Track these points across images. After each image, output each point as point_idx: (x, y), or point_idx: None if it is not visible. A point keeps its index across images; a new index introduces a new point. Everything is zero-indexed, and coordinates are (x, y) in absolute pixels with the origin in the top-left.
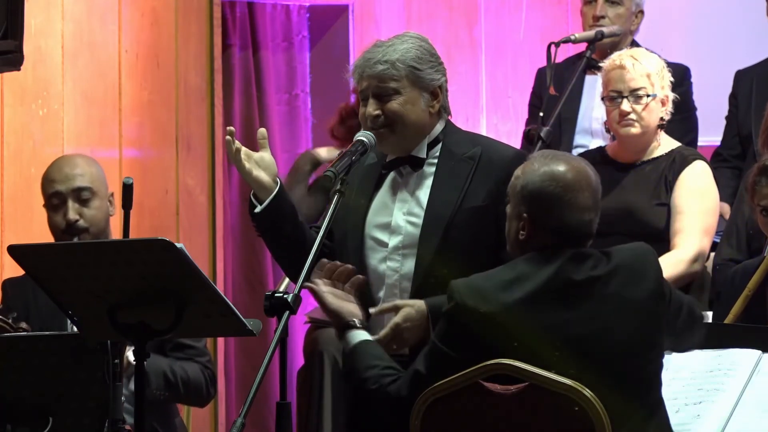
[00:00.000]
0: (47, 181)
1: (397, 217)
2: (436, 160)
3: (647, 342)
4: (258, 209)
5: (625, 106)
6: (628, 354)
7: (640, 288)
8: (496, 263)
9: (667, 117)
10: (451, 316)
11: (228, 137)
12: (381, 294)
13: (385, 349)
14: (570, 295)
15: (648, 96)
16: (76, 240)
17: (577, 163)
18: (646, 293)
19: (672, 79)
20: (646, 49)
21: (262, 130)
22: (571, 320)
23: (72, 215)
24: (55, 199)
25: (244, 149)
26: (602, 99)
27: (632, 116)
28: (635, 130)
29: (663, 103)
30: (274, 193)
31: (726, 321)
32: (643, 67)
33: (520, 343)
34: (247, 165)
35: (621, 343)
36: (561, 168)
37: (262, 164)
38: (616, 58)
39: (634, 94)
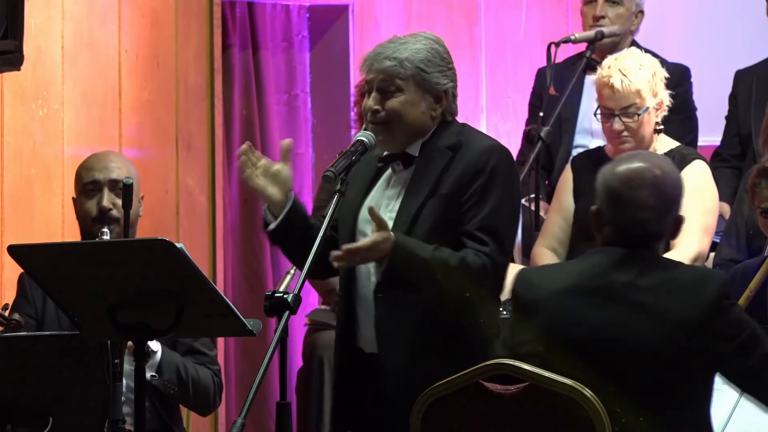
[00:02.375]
0: (85, 169)
1: (383, 214)
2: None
3: (677, 363)
4: (271, 227)
5: (618, 125)
6: (649, 367)
7: (687, 309)
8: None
9: (662, 117)
10: (512, 299)
11: (243, 157)
12: (373, 279)
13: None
14: (602, 296)
15: (638, 114)
16: (105, 230)
17: (656, 161)
18: (691, 315)
19: (667, 75)
20: (644, 49)
21: (288, 142)
22: (600, 321)
23: (107, 203)
24: (91, 185)
25: (265, 161)
26: (594, 115)
27: (625, 134)
28: (629, 145)
29: (657, 108)
30: (286, 210)
31: None
32: (632, 84)
33: (546, 334)
34: (260, 181)
35: (643, 354)
36: (631, 165)
37: (278, 178)
38: (605, 72)
39: (625, 113)
